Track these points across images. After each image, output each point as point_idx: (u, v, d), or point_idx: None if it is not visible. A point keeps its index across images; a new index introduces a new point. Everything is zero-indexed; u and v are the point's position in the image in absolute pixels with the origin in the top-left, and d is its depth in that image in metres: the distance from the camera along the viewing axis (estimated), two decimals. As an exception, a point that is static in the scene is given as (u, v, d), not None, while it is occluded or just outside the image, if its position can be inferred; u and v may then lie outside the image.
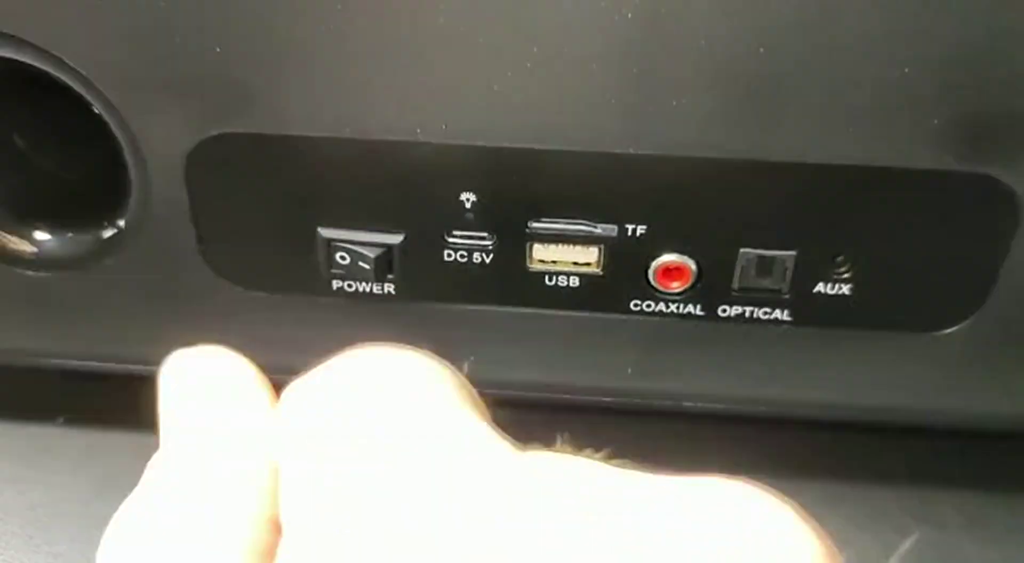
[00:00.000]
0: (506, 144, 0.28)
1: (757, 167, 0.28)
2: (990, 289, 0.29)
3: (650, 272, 0.30)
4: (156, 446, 0.36)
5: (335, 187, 0.29)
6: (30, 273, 0.32)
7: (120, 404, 0.38)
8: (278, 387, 0.35)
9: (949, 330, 0.30)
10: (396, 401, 0.17)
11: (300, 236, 0.30)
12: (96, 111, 0.29)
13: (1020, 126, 0.26)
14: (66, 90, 0.29)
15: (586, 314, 0.31)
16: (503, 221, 0.30)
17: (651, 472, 0.16)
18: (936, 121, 0.26)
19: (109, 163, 0.31)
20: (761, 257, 0.29)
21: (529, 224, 0.30)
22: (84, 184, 0.34)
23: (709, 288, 0.30)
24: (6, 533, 0.33)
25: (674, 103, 0.27)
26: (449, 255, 0.30)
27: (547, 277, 0.31)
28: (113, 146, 0.30)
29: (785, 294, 0.30)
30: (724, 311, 0.31)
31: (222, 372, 0.21)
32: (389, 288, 0.31)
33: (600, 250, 0.30)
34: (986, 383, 0.31)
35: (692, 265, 0.30)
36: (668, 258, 0.30)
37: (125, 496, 0.34)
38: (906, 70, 0.25)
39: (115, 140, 0.30)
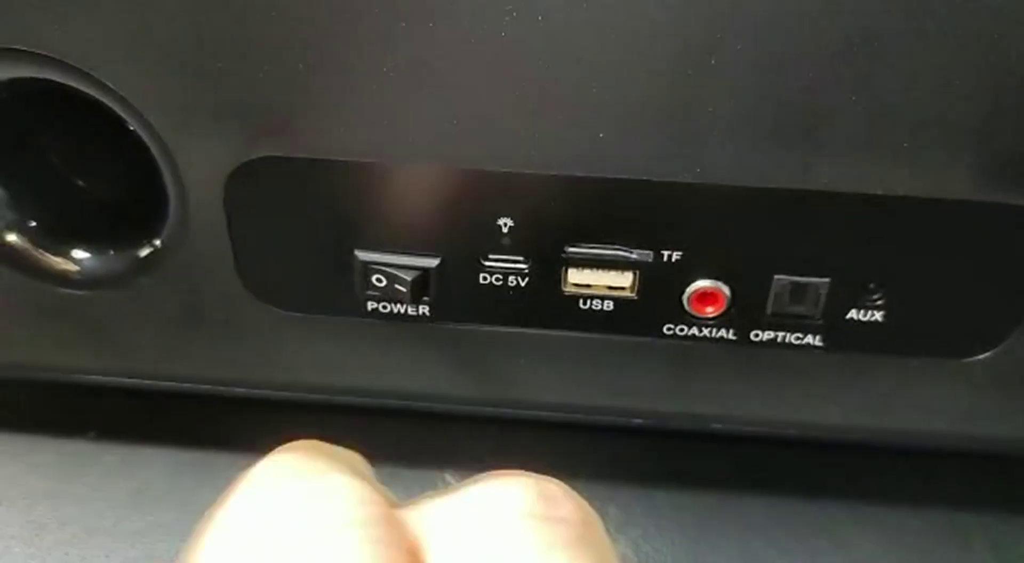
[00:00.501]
0: (544, 171, 0.28)
1: (793, 196, 0.28)
2: (1021, 317, 0.29)
3: (684, 297, 0.30)
4: (188, 460, 0.37)
5: (373, 211, 0.30)
6: (67, 291, 0.32)
7: (152, 419, 0.38)
8: (316, 408, 0.35)
9: (980, 357, 0.30)
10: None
11: (337, 258, 0.31)
12: (136, 133, 0.29)
13: (1055, 159, 0.26)
14: (103, 109, 0.29)
15: (619, 337, 0.31)
16: (539, 246, 0.30)
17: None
18: (972, 154, 0.26)
19: (147, 181, 0.31)
20: (795, 284, 0.30)
21: (565, 249, 0.30)
22: (122, 202, 0.34)
23: (742, 313, 0.30)
24: (41, 549, 0.33)
25: (712, 132, 0.27)
26: (484, 278, 0.31)
27: (581, 300, 0.31)
28: (151, 165, 0.30)
29: (818, 320, 0.30)
30: (756, 336, 0.31)
31: None
32: (424, 310, 0.32)
33: (635, 275, 0.30)
34: (1015, 409, 0.31)
35: (726, 291, 0.30)
36: (702, 284, 0.30)
37: (157, 510, 0.35)
38: (944, 103, 0.26)
39: (154, 161, 0.30)
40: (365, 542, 0.17)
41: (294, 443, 0.22)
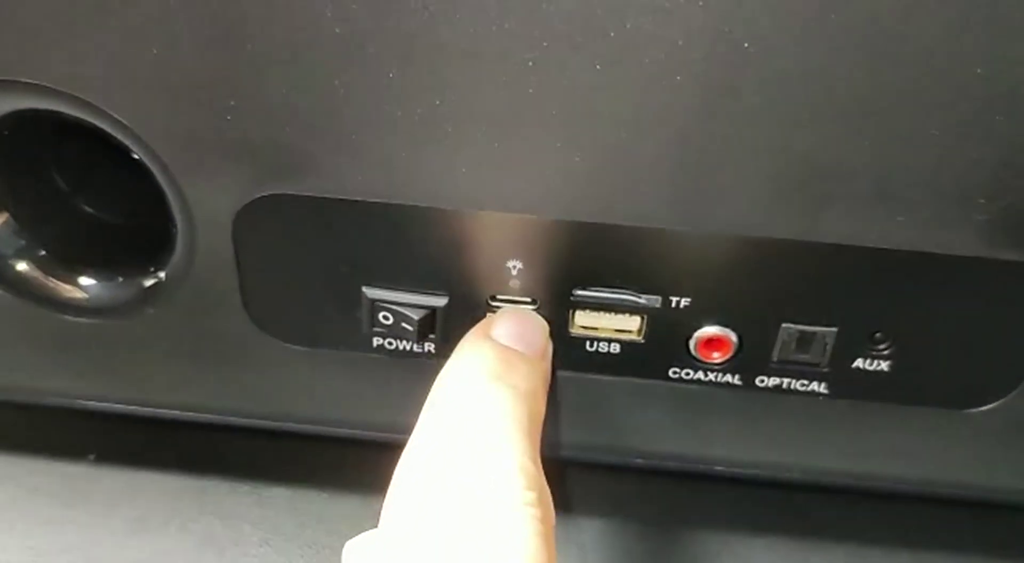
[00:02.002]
0: (554, 216, 0.28)
1: (803, 248, 0.28)
2: (1026, 371, 0.30)
3: (691, 342, 0.30)
4: (190, 487, 0.37)
5: (382, 250, 0.30)
6: (73, 319, 0.32)
7: (154, 444, 0.38)
8: (316, 439, 0.35)
9: (984, 408, 0.31)
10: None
11: (344, 295, 0.31)
12: (147, 166, 0.29)
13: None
14: (112, 139, 0.29)
15: (625, 379, 0.32)
16: (547, 288, 0.30)
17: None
18: (979, 212, 0.26)
19: (155, 209, 0.31)
20: (802, 332, 0.30)
21: (573, 292, 0.30)
22: (131, 230, 0.34)
23: (749, 359, 0.30)
24: (41, 576, 0.33)
25: (723, 184, 0.27)
26: (491, 318, 0.31)
27: (588, 342, 0.31)
28: (160, 195, 0.30)
29: (823, 368, 0.30)
30: (762, 381, 0.31)
31: None
32: (430, 347, 0.32)
33: (643, 319, 0.30)
34: (1017, 460, 0.32)
35: (733, 337, 0.30)
36: (710, 330, 0.30)
37: (158, 538, 0.35)
38: (952, 162, 0.26)
39: (164, 197, 0.30)
40: None
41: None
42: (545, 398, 0.29)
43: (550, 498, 0.25)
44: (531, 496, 0.24)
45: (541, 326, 0.30)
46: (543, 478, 0.25)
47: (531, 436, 0.26)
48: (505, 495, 0.24)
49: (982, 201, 0.26)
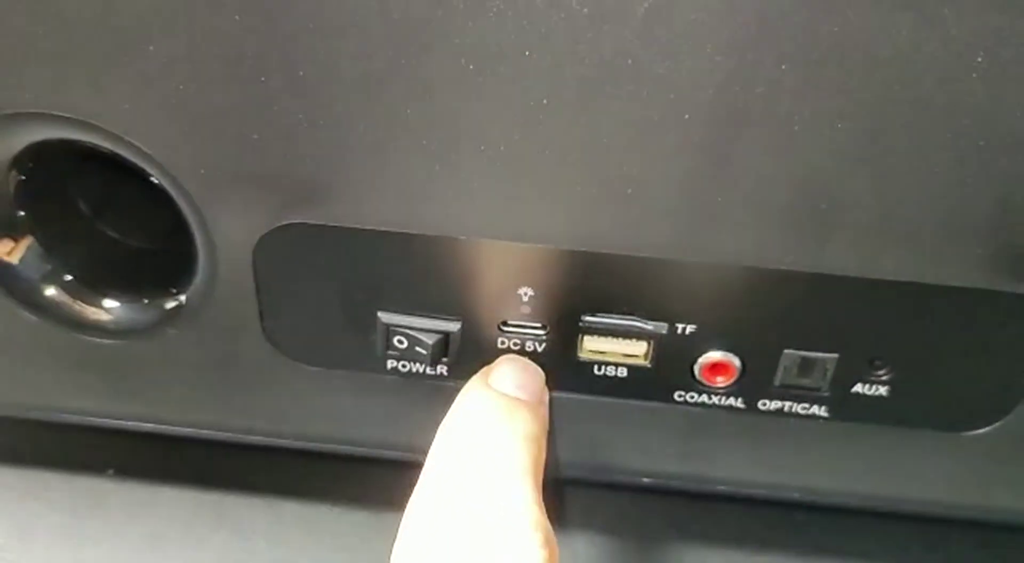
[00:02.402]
0: (566, 246, 0.29)
1: (805, 278, 0.29)
2: (1020, 396, 0.31)
3: (696, 367, 0.31)
4: (206, 503, 0.37)
5: (397, 277, 0.31)
6: (96, 340, 0.33)
7: (170, 460, 0.39)
8: (330, 457, 0.36)
9: (979, 431, 0.32)
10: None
11: (360, 319, 0.32)
12: (170, 194, 0.30)
13: (1059, 252, 0.27)
14: (136, 168, 0.30)
15: (632, 402, 0.32)
16: (558, 314, 0.31)
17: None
18: (983, 246, 0.27)
19: (177, 234, 0.32)
20: (804, 358, 0.31)
21: (583, 318, 0.31)
22: (154, 253, 0.35)
23: (751, 384, 0.31)
24: (60, 590, 0.34)
25: (728, 216, 0.28)
26: (503, 342, 0.32)
27: (596, 367, 0.32)
28: (182, 221, 0.31)
29: (824, 392, 0.31)
30: (764, 405, 0.32)
31: None
32: (443, 370, 0.32)
33: (649, 344, 0.31)
34: (1010, 481, 0.33)
35: (737, 362, 0.31)
36: (714, 355, 0.31)
37: (175, 553, 0.36)
38: (952, 197, 0.27)
39: (186, 223, 0.31)
40: None
41: None
42: (546, 442, 0.30)
43: (555, 540, 0.26)
44: (539, 537, 0.25)
45: (538, 373, 0.31)
46: (547, 520, 0.26)
47: (535, 480, 0.27)
48: (513, 538, 0.25)
49: (979, 236, 0.27)
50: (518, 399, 0.30)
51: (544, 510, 0.26)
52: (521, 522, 0.25)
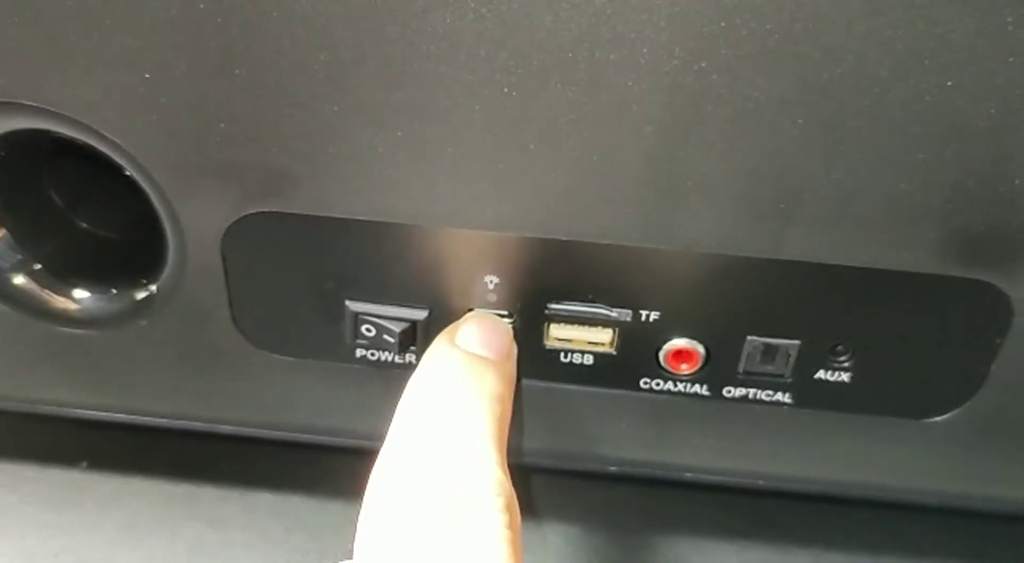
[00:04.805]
0: (530, 234, 0.29)
1: (767, 265, 0.29)
2: (980, 382, 0.31)
3: (661, 354, 0.32)
4: (179, 494, 0.38)
5: (365, 265, 0.31)
6: (67, 330, 0.34)
7: (144, 451, 0.39)
8: (301, 446, 0.36)
9: (940, 418, 0.32)
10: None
11: (328, 308, 0.32)
12: (140, 184, 0.31)
13: (1014, 238, 0.28)
14: (107, 158, 0.30)
15: (598, 390, 0.33)
16: (523, 302, 0.31)
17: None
18: (938, 232, 0.28)
19: (147, 224, 0.32)
20: (767, 345, 0.31)
21: (548, 306, 0.31)
22: (124, 243, 0.35)
23: (716, 371, 0.32)
24: (32, 580, 0.34)
25: (690, 204, 0.28)
26: (470, 330, 0.32)
27: (563, 354, 0.32)
28: (152, 211, 0.31)
29: (787, 379, 0.32)
30: (728, 392, 0.32)
31: None
32: (411, 358, 0.33)
33: (614, 332, 0.31)
34: (972, 467, 0.33)
35: (701, 349, 0.31)
36: (678, 342, 0.31)
37: (149, 543, 0.36)
38: (909, 184, 0.27)
39: (156, 213, 0.31)
40: None
41: None
42: (511, 401, 0.30)
43: (517, 503, 0.26)
44: (500, 502, 0.25)
45: (504, 329, 0.31)
46: (510, 483, 0.26)
47: (498, 442, 0.27)
48: (474, 502, 0.25)
49: (934, 222, 0.28)
50: (483, 358, 0.30)
51: (507, 472, 0.26)
52: (482, 485, 0.25)
